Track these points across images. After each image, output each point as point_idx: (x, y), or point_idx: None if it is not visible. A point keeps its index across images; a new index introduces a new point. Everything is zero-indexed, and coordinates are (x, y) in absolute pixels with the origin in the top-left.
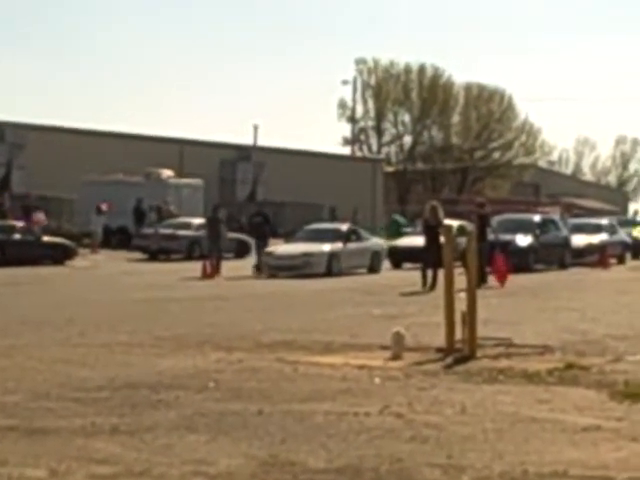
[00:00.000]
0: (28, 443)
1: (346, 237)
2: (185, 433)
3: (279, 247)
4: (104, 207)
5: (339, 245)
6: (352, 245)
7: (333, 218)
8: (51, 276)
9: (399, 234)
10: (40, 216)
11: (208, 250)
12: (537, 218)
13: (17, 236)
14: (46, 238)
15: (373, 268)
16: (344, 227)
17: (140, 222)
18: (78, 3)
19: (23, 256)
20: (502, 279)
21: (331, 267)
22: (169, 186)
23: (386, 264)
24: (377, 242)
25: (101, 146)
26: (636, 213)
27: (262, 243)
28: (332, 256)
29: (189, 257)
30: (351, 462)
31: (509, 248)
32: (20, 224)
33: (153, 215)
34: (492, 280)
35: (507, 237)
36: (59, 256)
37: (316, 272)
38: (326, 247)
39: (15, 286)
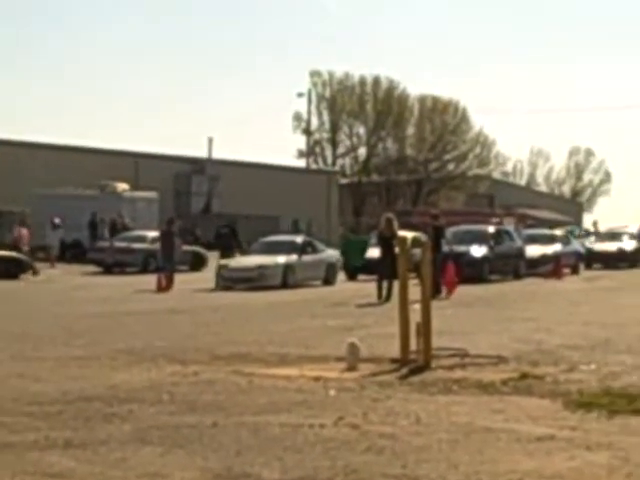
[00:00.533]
0: None
1: (301, 249)
2: (139, 446)
3: (234, 259)
4: (57, 221)
5: (294, 257)
6: (307, 257)
7: (296, 230)
8: (5, 290)
9: (360, 254)
10: (24, 231)
11: (162, 263)
12: (491, 229)
13: None
14: None
15: (328, 280)
16: (299, 239)
17: (95, 236)
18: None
19: None
20: (451, 288)
21: (286, 279)
22: (124, 199)
23: (341, 276)
24: (332, 254)
25: (56, 159)
26: (595, 224)
27: (227, 255)
28: (287, 268)
29: (144, 270)
30: (306, 474)
31: (464, 259)
32: None
33: (106, 229)
34: (445, 291)
35: (462, 248)
36: (14, 270)
37: (272, 284)
38: (281, 259)
39: None
